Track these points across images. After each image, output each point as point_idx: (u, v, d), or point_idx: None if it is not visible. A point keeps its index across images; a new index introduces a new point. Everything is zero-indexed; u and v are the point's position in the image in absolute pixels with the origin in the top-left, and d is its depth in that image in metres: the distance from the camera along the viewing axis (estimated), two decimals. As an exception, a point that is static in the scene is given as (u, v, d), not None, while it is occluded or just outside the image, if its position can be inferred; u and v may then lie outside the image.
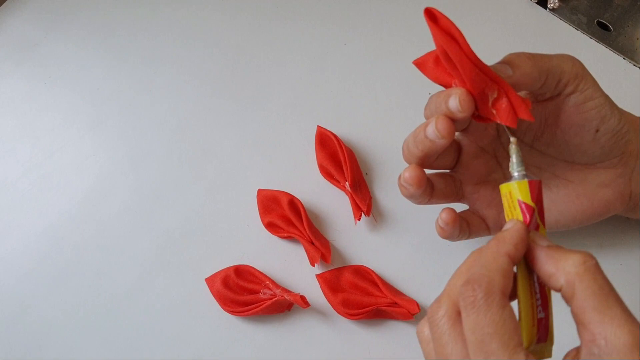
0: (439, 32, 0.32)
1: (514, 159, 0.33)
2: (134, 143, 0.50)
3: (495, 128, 0.39)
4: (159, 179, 0.48)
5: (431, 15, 0.32)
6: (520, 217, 0.31)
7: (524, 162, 0.33)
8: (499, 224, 0.40)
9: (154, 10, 0.55)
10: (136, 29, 0.55)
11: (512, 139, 0.33)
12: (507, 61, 0.35)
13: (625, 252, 0.43)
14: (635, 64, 0.50)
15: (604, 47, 0.51)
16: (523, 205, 0.31)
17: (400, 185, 0.37)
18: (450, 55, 0.32)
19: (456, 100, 0.33)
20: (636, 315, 0.40)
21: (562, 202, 0.39)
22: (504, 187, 0.32)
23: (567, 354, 0.27)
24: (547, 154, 0.39)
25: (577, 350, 0.27)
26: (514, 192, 0.31)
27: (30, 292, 0.45)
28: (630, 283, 0.42)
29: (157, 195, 0.48)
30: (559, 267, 0.27)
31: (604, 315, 0.25)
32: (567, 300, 0.27)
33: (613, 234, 0.44)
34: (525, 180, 0.31)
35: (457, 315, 0.28)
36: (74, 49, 0.54)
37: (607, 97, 0.36)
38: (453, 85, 0.34)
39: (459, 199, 0.41)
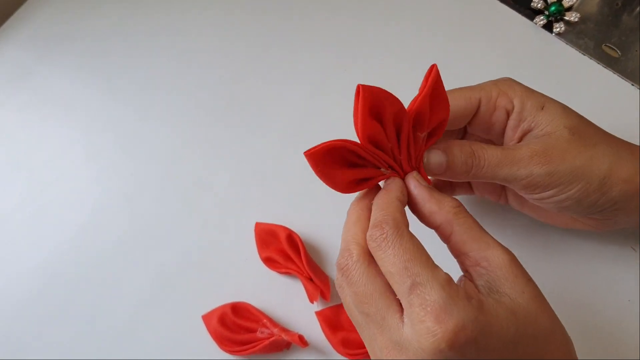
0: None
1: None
2: (128, 175, 0.49)
3: (503, 136, 0.39)
4: (155, 212, 0.47)
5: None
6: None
7: None
8: (483, 195, 0.43)
9: (149, 39, 0.55)
10: (131, 58, 0.54)
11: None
12: (450, 154, 0.34)
13: (633, 288, 0.42)
14: (644, 90, 0.49)
15: (611, 73, 0.49)
16: None
17: None
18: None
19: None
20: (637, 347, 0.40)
21: (542, 213, 0.41)
22: None
23: (458, 282, 0.30)
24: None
25: (464, 278, 0.30)
26: None
27: (24, 328, 0.44)
28: (637, 319, 0.41)
29: (152, 229, 0.47)
30: (440, 206, 0.31)
31: (481, 243, 0.30)
32: (445, 235, 0.31)
33: (621, 270, 0.43)
34: None
35: (370, 257, 0.30)
36: (68, 78, 0.53)
37: (584, 191, 0.35)
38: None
39: None
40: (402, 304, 0.28)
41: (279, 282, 0.44)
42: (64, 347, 0.43)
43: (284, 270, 0.44)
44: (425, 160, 0.34)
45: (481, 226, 0.31)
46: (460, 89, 0.38)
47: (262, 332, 0.41)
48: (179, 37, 0.54)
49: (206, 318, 0.43)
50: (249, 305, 0.43)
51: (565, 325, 0.41)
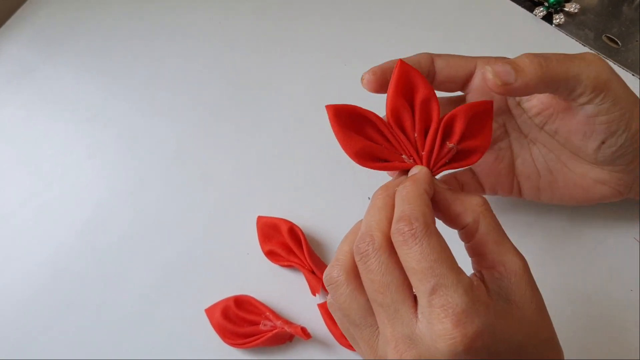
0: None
1: None
2: (132, 170, 0.49)
3: (505, 99, 0.40)
4: (158, 207, 0.47)
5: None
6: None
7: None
8: (495, 191, 0.42)
9: (152, 35, 0.55)
10: (134, 54, 0.54)
11: None
12: (514, 63, 0.34)
13: (635, 278, 0.42)
14: (645, 80, 0.48)
15: (611, 63, 0.49)
16: None
17: None
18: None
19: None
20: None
21: (559, 186, 0.40)
22: None
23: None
24: (555, 139, 0.40)
25: (475, 277, 0.30)
26: None
27: (30, 323, 0.44)
28: (639, 308, 0.41)
29: (155, 223, 0.47)
30: (466, 207, 0.30)
31: (501, 247, 0.30)
32: (468, 236, 0.31)
33: (623, 260, 0.43)
34: None
35: (391, 247, 0.29)
36: (72, 75, 0.53)
37: (628, 109, 0.35)
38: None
39: None
40: (420, 302, 0.28)
41: (281, 275, 0.44)
42: (70, 340, 0.43)
43: (286, 263, 0.44)
44: (489, 75, 0.33)
45: (502, 228, 0.31)
46: (460, 55, 0.39)
47: (265, 325, 0.42)
48: (181, 32, 0.55)
49: (209, 311, 0.43)
50: (252, 298, 0.43)
51: (568, 315, 0.41)
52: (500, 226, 0.30)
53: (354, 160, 0.32)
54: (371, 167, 0.33)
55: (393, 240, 0.29)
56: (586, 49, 0.50)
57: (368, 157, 0.32)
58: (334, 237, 0.45)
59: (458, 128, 0.32)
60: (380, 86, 0.36)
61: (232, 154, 0.49)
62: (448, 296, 0.27)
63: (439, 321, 0.27)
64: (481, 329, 0.26)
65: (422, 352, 0.27)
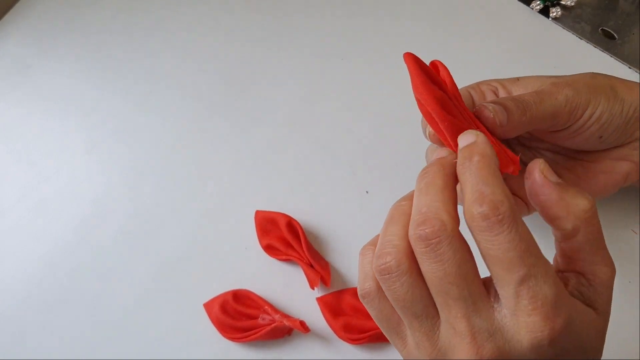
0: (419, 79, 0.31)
1: None
2: (129, 166, 0.49)
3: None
4: (155, 202, 0.47)
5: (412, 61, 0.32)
6: None
7: None
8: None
9: (147, 31, 0.55)
10: (130, 49, 0.54)
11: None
12: (505, 106, 0.34)
13: (634, 269, 0.42)
14: (641, 73, 0.49)
15: (608, 56, 0.49)
16: None
17: None
18: (425, 109, 0.31)
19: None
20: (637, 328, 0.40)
21: (583, 181, 0.40)
22: None
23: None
24: (564, 146, 0.40)
25: (561, 272, 0.29)
26: None
27: (26, 319, 0.44)
28: (637, 300, 0.41)
29: (153, 218, 0.47)
30: (569, 211, 0.27)
31: (596, 256, 0.28)
32: (564, 238, 0.28)
33: (622, 252, 0.43)
34: None
35: (460, 233, 0.27)
36: (68, 71, 0.53)
37: (608, 101, 0.36)
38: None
39: None
40: (502, 292, 0.26)
41: (279, 269, 0.44)
42: (67, 337, 0.43)
43: (284, 257, 0.44)
44: (491, 114, 0.32)
45: (602, 236, 0.28)
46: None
47: (263, 319, 0.42)
48: (177, 28, 0.55)
49: (208, 306, 0.43)
50: (250, 292, 0.43)
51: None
52: (602, 234, 0.28)
53: (435, 108, 0.30)
54: (449, 121, 0.30)
55: (471, 225, 0.26)
56: (583, 42, 0.50)
57: (445, 108, 0.30)
58: (332, 230, 0.45)
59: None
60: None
61: (229, 148, 0.49)
62: (538, 287, 0.25)
63: (526, 313, 0.25)
64: (567, 322, 0.26)
65: (501, 345, 0.26)
